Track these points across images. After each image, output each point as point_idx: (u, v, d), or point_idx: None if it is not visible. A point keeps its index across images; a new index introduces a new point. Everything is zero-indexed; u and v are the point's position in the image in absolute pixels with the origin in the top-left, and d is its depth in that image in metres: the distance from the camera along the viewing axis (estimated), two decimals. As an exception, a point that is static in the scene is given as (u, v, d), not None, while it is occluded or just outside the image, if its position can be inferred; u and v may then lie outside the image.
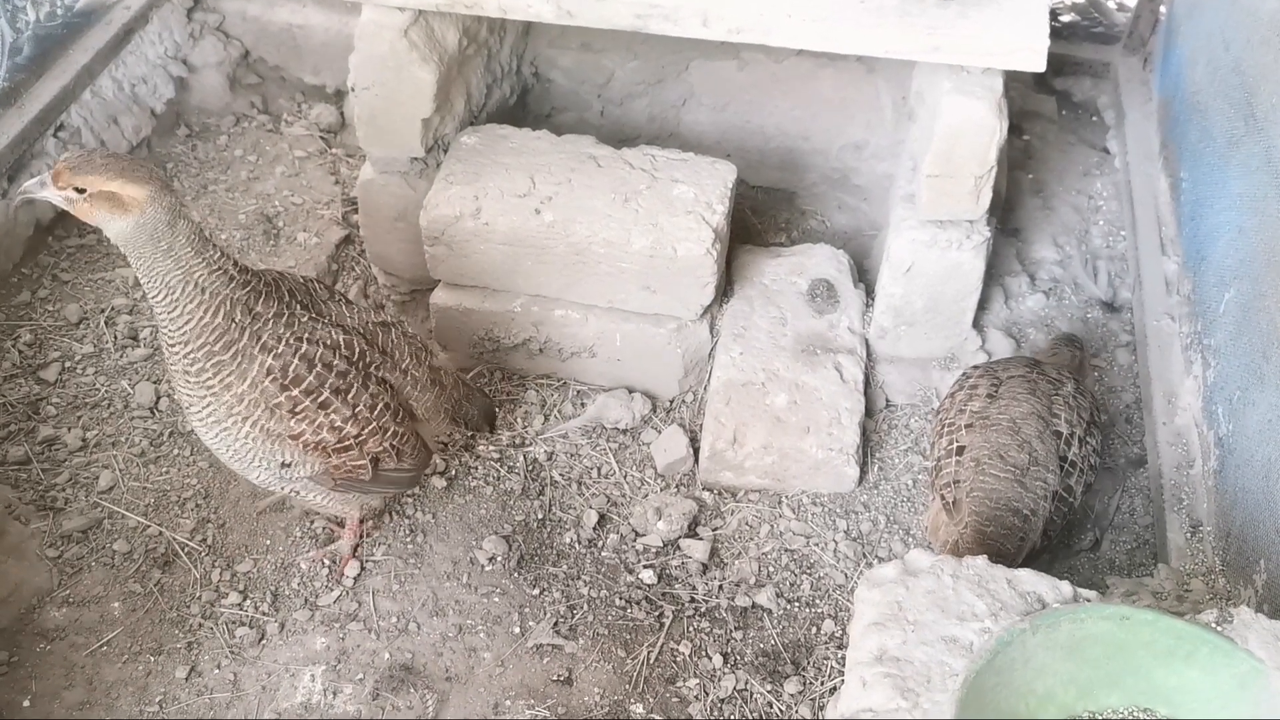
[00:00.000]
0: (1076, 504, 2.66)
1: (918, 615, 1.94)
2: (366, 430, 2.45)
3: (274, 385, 2.32)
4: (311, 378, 2.34)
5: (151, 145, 4.01)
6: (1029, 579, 2.02)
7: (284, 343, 2.33)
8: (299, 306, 2.40)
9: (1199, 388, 2.93)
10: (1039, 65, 2.75)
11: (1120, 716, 1.93)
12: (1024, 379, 2.75)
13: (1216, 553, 2.61)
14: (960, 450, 2.67)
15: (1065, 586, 2.01)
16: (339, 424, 2.40)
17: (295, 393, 2.33)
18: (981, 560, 2.04)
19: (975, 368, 2.91)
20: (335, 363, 2.38)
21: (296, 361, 2.33)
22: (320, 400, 2.36)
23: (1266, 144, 2.73)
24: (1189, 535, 2.71)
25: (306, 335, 2.37)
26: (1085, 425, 2.69)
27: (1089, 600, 2.01)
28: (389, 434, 2.50)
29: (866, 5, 2.82)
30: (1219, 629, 1.91)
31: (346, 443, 2.43)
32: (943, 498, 2.66)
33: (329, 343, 2.39)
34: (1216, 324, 2.88)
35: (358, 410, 2.42)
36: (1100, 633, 1.91)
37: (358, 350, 2.44)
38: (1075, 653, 1.91)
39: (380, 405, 2.46)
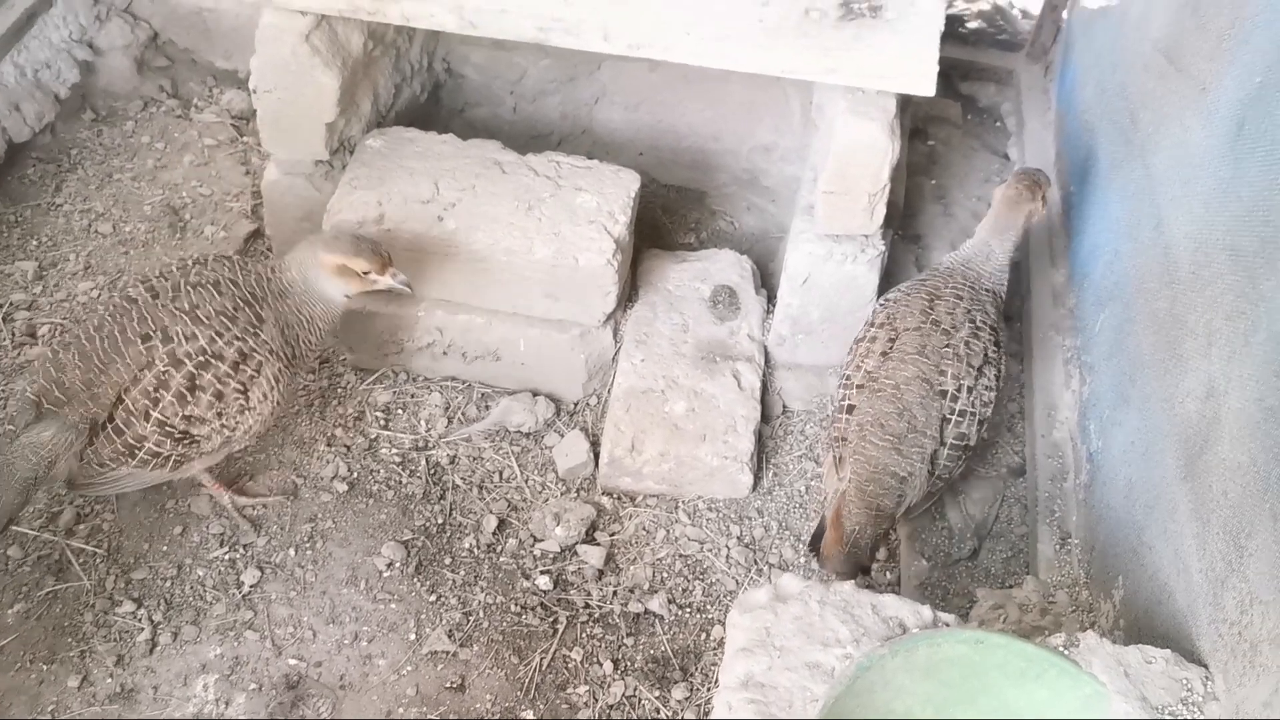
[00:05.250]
0: (973, 443, 2.86)
1: (784, 641, 2.03)
2: None
3: None
4: None
5: (56, 131, 3.95)
6: (892, 604, 2.12)
7: None
8: None
9: (1076, 402, 3.05)
10: (929, 90, 2.83)
11: (975, 733, 2.05)
12: (917, 333, 2.88)
13: (1082, 565, 2.74)
14: (851, 409, 2.87)
15: (926, 611, 2.11)
16: None
17: None
18: (848, 586, 2.13)
19: (881, 307, 3.00)
20: None
21: None
22: None
23: (1144, 170, 2.83)
24: (1058, 547, 2.83)
25: None
26: (976, 370, 2.85)
27: (948, 624, 2.11)
28: None
29: (765, 25, 2.87)
30: (1066, 653, 2.03)
31: None
32: (833, 447, 2.88)
33: None
34: (1093, 342, 3.01)
35: None
36: (956, 655, 2.01)
37: None
38: (932, 674, 2.01)
39: None
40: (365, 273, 2.75)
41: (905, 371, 2.82)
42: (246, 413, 2.68)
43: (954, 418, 2.80)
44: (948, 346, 2.84)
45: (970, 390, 2.82)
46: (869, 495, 2.77)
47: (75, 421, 2.59)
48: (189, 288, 2.66)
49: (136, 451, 2.61)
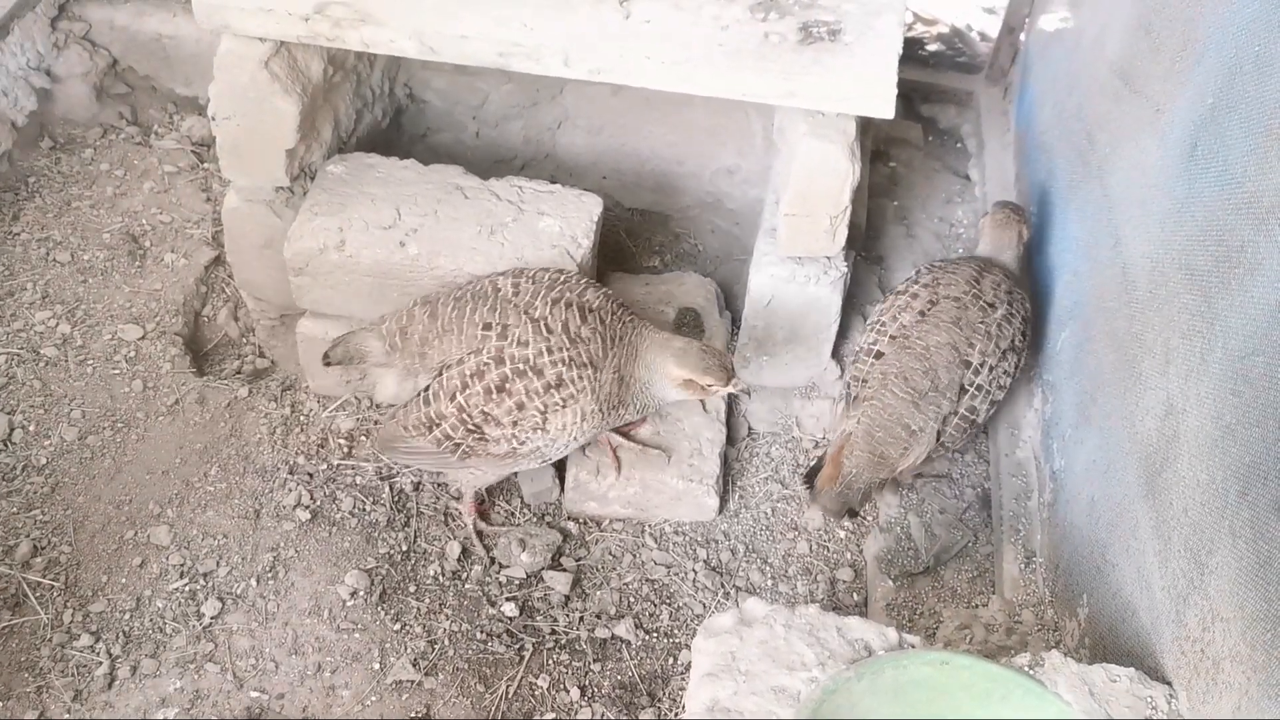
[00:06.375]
0: (980, 420, 2.97)
1: (750, 666, 2.02)
2: None
3: None
4: None
5: (13, 159, 3.90)
6: (858, 626, 2.11)
7: None
8: None
9: (1039, 421, 3.07)
10: (888, 112, 2.85)
11: (942, 754, 2.04)
12: (956, 303, 2.98)
13: (1047, 584, 2.75)
14: (879, 356, 2.97)
15: (891, 633, 2.11)
16: None
17: None
18: (814, 609, 2.13)
19: (928, 269, 3.13)
20: None
21: None
22: None
23: (1102, 190, 2.86)
24: (1023, 566, 2.84)
25: None
26: (1001, 353, 2.95)
27: (913, 646, 2.11)
28: None
29: (725, 49, 2.88)
30: (1031, 673, 2.03)
31: None
32: (849, 386, 2.98)
33: None
34: (1054, 361, 3.03)
35: None
36: (922, 677, 2.01)
37: None
38: (899, 697, 2.01)
39: None
40: (709, 385, 2.76)
41: (938, 336, 2.93)
42: (539, 432, 2.70)
43: (971, 389, 2.90)
44: (982, 323, 2.94)
45: (991, 369, 2.92)
46: (876, 440, 2.89)
47: (391, 361, 2.78)
48: (550, 300, 2.70)
49: (435, 427, 2.70)
